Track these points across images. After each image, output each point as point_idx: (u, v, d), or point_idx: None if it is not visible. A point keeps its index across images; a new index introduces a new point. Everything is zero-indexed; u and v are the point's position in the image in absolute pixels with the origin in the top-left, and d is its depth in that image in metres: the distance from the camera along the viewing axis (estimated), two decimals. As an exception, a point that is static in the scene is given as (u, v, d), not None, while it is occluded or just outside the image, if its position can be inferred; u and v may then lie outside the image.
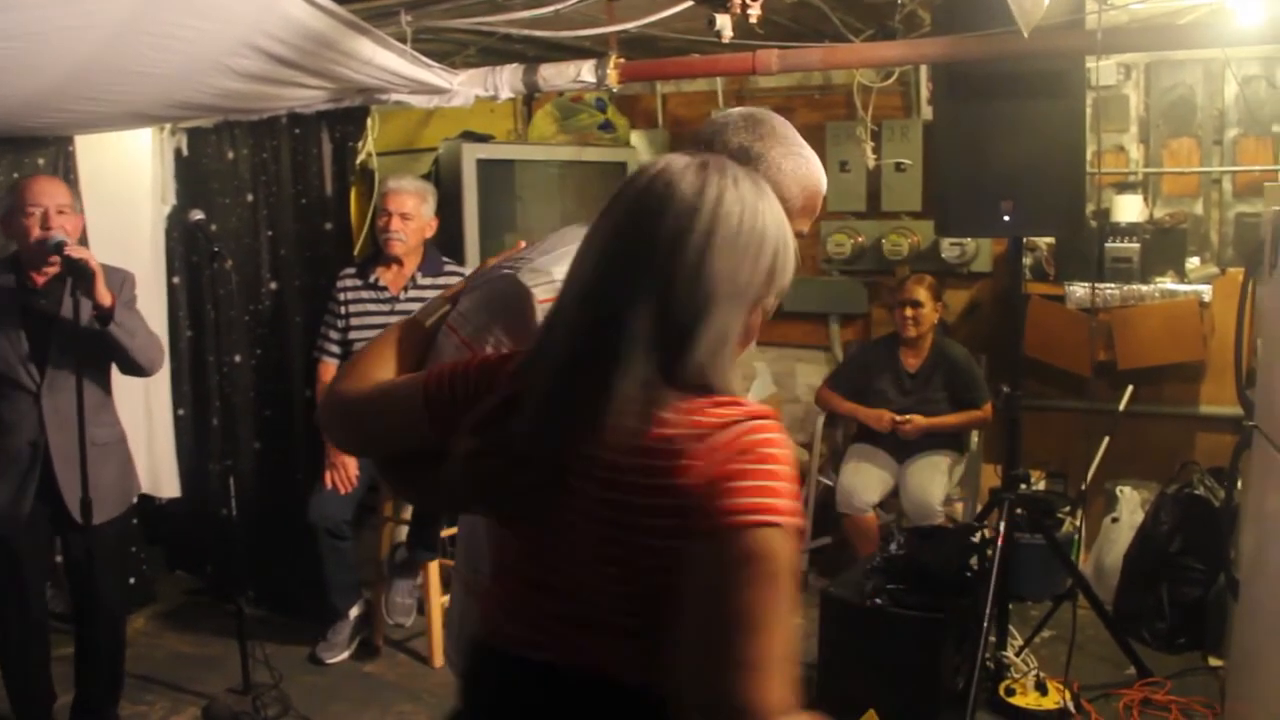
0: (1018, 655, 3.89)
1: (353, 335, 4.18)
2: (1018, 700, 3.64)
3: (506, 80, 4.01)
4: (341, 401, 1.55)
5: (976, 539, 3.82)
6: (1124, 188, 4.78)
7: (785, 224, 1.36)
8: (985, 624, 3.52)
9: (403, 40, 3.71)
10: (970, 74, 3.68)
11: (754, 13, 2.94)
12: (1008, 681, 3.72)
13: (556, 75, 3.95)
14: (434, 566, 4.13)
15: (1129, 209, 4.67)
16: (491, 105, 4.71)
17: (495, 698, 1.42)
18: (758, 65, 3.73)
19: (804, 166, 1.74)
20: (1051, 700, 3.62)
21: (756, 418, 1.26)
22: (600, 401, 1.25)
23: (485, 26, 3.92)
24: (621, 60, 3.87)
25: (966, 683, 3.46)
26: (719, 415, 1.25)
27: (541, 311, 1.59)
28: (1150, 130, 4.83)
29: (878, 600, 3.56)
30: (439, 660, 4.10)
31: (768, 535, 1.18)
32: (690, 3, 3.41)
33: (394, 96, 4.03)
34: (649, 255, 1.28)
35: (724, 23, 3.06)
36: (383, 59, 3.60)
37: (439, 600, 4.12)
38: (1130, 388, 4.72)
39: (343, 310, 4.19)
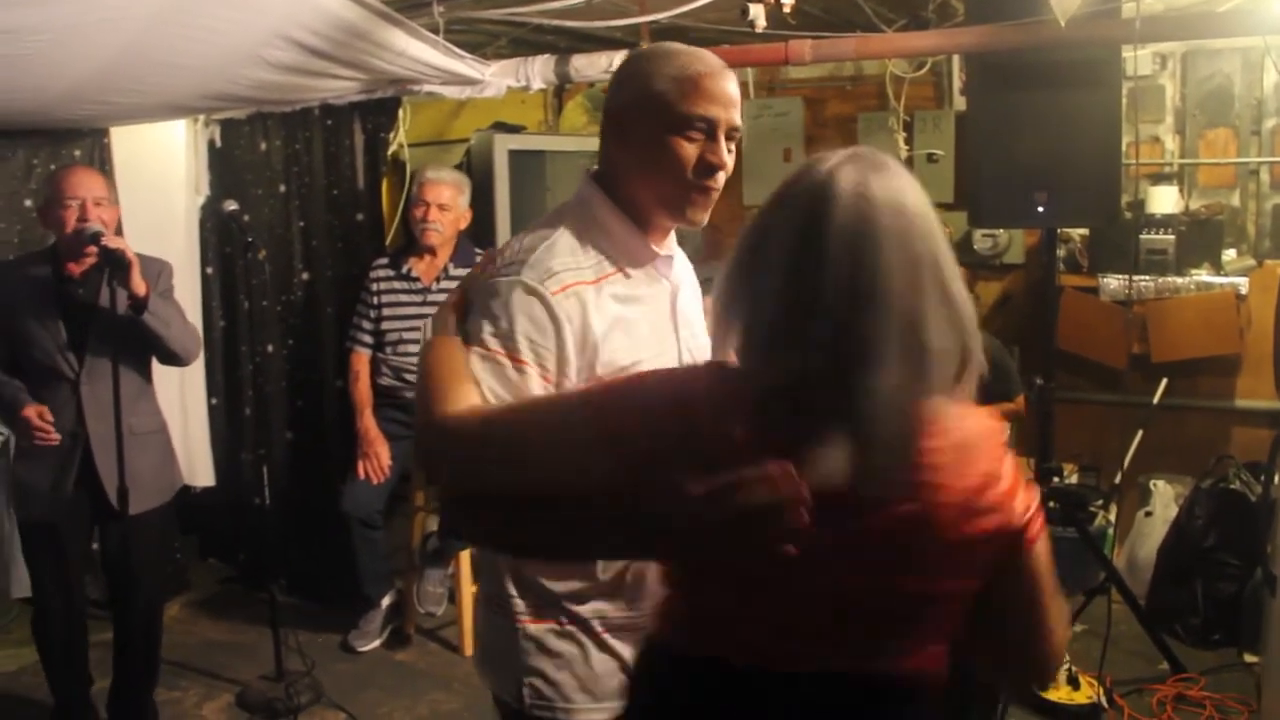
0: (1050, 649, 3.86)
1: (385, 326, 4.19)
2: (1049, 694, 3.62)
3: (538, 71, 4.01)
4: (468, 433, 1.37)
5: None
6: (1159, 179, 4.73)
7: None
8: (1018, 617, 3.49)
9: (435, 31, 3.71)
10: (1005, 64, 3.66)
11: (788, 2, 2.93)
12: (1040, 675, 3.70)
13: (588, 66, 3.95)
14: (465, 556, 4.15)
15: (1164, 200, 4.63)
16: (522, 96, 4.72)
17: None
18: (790, 55, 3.71)
19: (668, 60, 1.66)
20: (1084, 695, 3.59)
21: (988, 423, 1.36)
22: (866, 410, 1.23)
23: (517, 17, 3.92)
24: (653, 51, 3.87)
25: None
26: (971, 424, 1.34)
27: (558, 306, 1.58)
28: (1186, 120, 4.78)
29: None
30: (470, 649, 4.12)
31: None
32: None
33: (426, 87, 4.04)
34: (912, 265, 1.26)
35: (758, 12, 3.06)
36: (415, 50, 3.61)
37: (470, 589, 4.13)
38: (1165, 381, 4.68)
39: (375, 301, 4.21)
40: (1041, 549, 1.37)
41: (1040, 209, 3.65)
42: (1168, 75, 4.77)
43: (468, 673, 4.00)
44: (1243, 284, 4.52)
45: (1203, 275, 4.57)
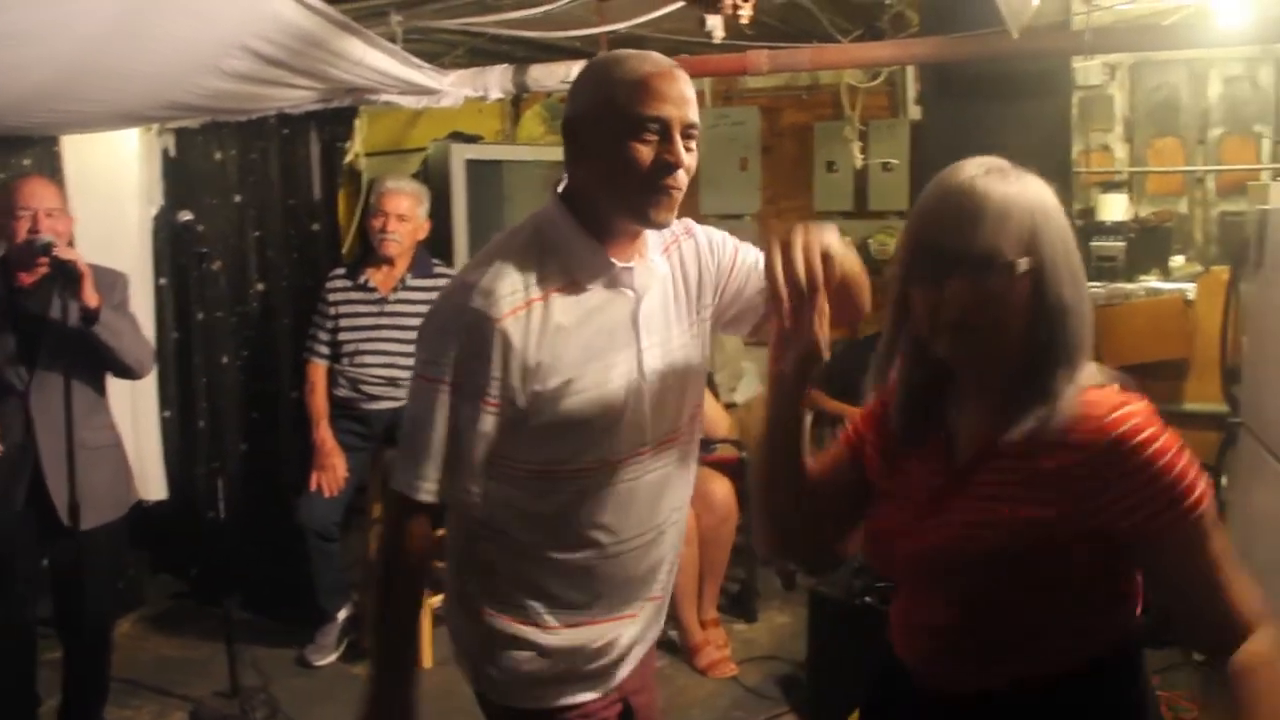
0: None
1: (342, 337, 4.16)
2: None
3: (496, 81, 4.01)
4: None
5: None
6: (1109, 187, 4.80)
7: None
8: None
9: (393, 40, 3.70)
10: (958, 74, 3.70)
11: (745, 13, 2.95)
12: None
13: (546, 75, 3.95)
14: (423, 567, 4.11)
15: (1114, 208, 4.70)
16: (479, 106, 4.71)
17: None
18: (748, 66, 3.74)
19: (617, 65, 1.67)
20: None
21: None
22: None
23: (475, 27, 3.92)
24: (611, 61, 3.88)
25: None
26: None
27: (504, 330, 1.62)
28: (1135, 130, 4.86)
29: (866, 599, 3.56)
30: (428, 661, 4.09)
31: None
32: (681, 3, 3.42)
33: (384, 97, 4.02)
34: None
35: (715, 23, 3.07)
36: (373, 59, 3.59)
37: (427, 601, 4.10)
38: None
39: (332, 312, 4.18)
40: None
41: (994, 217, 3.69)
42: (1117, 85, 4.86)
43: (427, 686, 3.95)
44: (1190, 290, 4.60)
45: (1152, 281, 4.64)
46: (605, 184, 1.67)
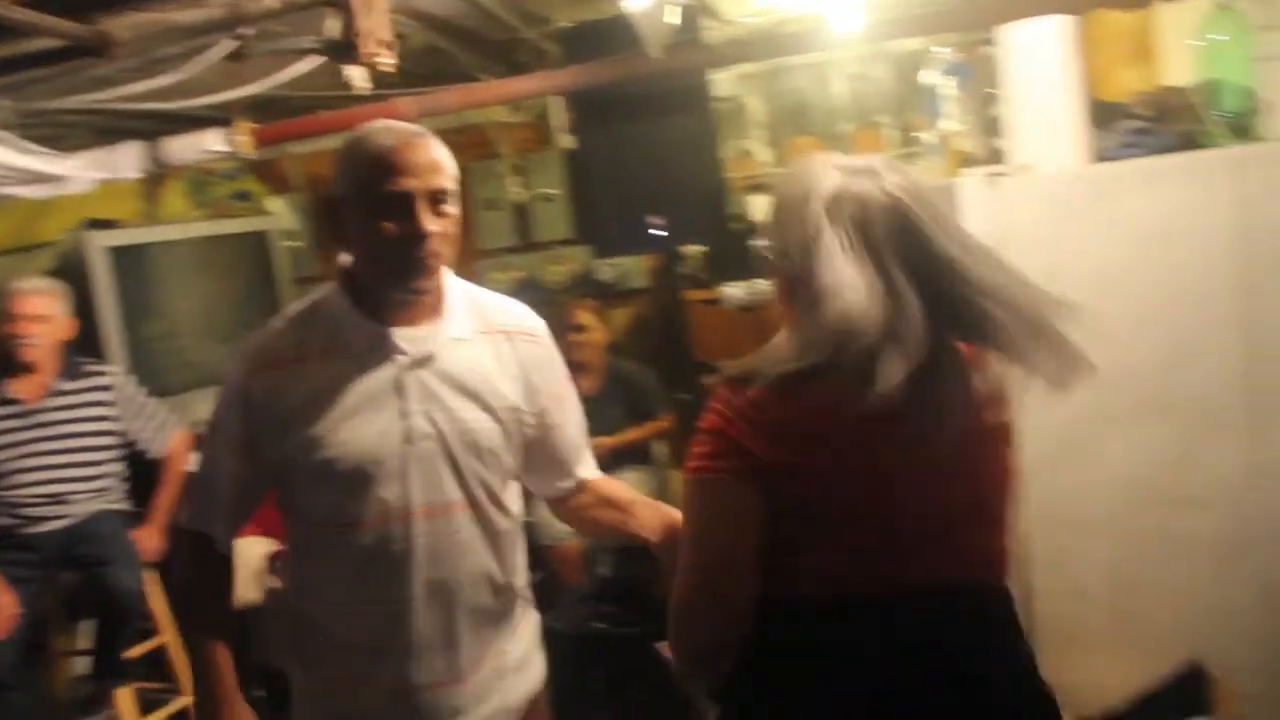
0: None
1: (-10, 459, 3.74)
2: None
3: (128, 159, 3.76)
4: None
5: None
6: (759, 188, 5.05)
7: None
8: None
9: (5, 127, 3.38)
10: (605, 99, 3.80)
11: (386, 63, 2.89)
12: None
13: (184, 148, 3.74)
14: (124, 694, 3.77)
15: (765, 208, 4.94)
16: (112, 187, 4.40)
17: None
18: (396, 114, 3.66)
19: (360, 144, 1.71)
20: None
21: None
22: None
23: (99, 104, 3.63)
24: (253, 125, 3.71)
25: (701, 687, 3.51)
26: None
27: (250, 385, 1.74)
28: (777, 132, 5.15)
29: (595, 625, 3.56)
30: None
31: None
32: (318, 61, 3.31)
33: (1, 190, 3.66)
34: None
35: (355, 74, 2.99)
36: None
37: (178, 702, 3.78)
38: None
39: (-28, 434, 3.75)
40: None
41: (658, 233, 3.81)
42: (754, 93, 5.12)
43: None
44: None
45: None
46: (366, 260, 1.73)
